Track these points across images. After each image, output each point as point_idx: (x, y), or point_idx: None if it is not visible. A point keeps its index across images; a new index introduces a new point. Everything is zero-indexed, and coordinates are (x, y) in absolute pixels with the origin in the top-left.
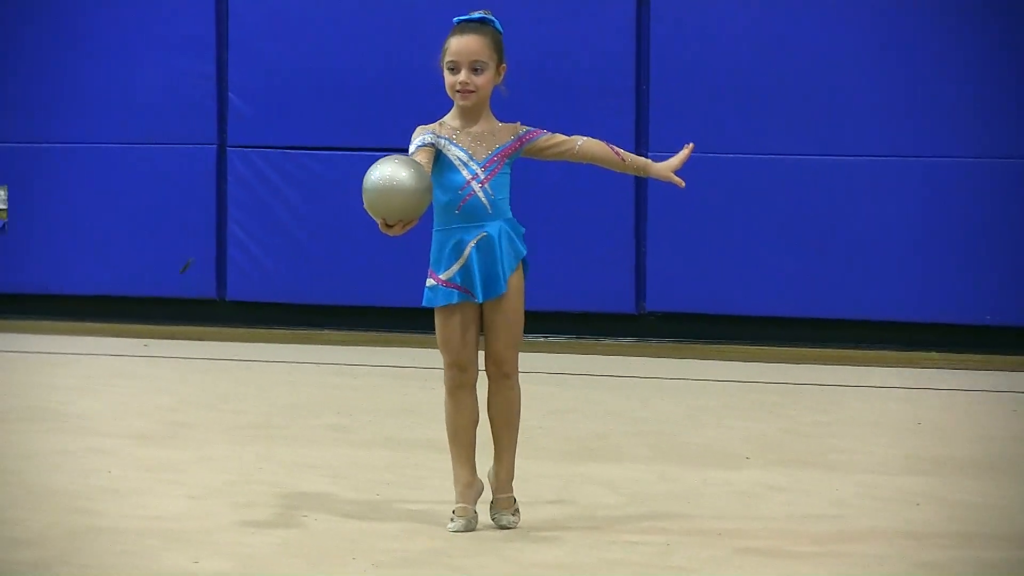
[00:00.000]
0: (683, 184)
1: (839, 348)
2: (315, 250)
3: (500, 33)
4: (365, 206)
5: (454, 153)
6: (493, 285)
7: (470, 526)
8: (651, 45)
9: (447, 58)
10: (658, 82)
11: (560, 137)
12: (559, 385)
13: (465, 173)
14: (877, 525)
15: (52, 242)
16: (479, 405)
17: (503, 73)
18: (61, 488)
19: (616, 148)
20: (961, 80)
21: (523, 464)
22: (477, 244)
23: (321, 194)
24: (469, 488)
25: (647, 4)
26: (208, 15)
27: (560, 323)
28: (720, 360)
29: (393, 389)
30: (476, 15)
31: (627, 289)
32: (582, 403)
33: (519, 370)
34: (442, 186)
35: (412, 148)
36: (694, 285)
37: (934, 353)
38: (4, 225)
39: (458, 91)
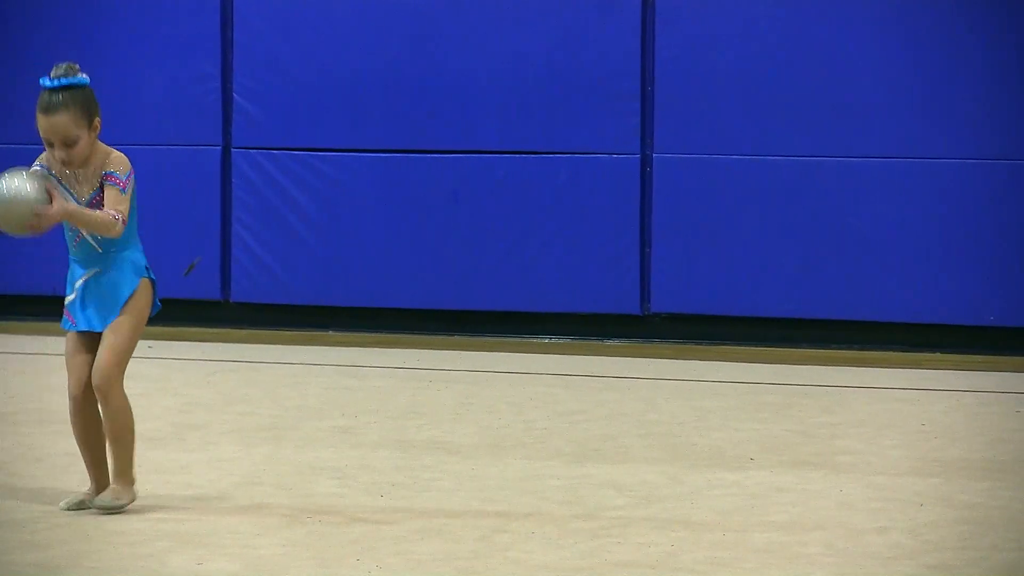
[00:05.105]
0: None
1: (844, 350)
2: (320, 251)
3: (84, 89)
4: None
5: (64, 195)
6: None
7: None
8: (656, 47)
9: (41, 134)
10: (663, 84)
11: (112, 195)
12: (564, 387)
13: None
14: (883, 526)
15: (58, 244)
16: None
17: (99, 126)
18: (69, 490)
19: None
20: (968, 82)
21: (530, 465)
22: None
23: (326, 195)
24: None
25: (652, 6)
26: (213, 16)
27: (565, 324)
28: (726, 361)
29: (399, 390)
30: (54, 82)
31: (632, 290)
32: (588, 404)
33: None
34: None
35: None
36: (699, 287)
37: (939, 354)
38: None
39: (64, 164)
